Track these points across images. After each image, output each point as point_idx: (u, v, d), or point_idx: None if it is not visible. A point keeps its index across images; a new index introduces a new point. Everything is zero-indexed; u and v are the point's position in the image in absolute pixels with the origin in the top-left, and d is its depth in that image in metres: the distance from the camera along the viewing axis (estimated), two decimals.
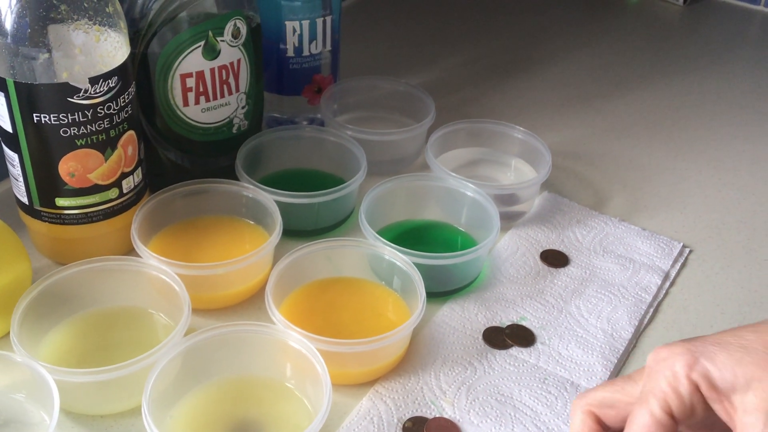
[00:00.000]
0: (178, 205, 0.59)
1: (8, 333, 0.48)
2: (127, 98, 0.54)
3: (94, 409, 0.48)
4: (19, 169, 0.54)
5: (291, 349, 0.48)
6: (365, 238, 0.57)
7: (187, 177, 0.61)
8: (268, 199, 0.59)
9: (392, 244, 0.55)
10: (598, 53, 0.94)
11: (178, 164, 0.63)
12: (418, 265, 0.54)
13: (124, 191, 0.56)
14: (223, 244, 0.59)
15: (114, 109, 0.53)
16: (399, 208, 0.63)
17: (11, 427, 0.46)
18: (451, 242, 0.62)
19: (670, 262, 0.62)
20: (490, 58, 0.91)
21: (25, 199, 0.55)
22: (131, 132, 0.55)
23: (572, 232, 0.65)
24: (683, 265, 0.62)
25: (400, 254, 0.55)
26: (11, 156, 0.53)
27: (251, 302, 0.57)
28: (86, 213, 0.55)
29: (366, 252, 0.57)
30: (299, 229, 0.62)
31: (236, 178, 0.61)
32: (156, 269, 0.52)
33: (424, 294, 0.52)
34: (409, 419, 0.49)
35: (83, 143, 0.52)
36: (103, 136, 0.53)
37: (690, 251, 0.64)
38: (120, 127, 0.54)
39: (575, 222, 0.66)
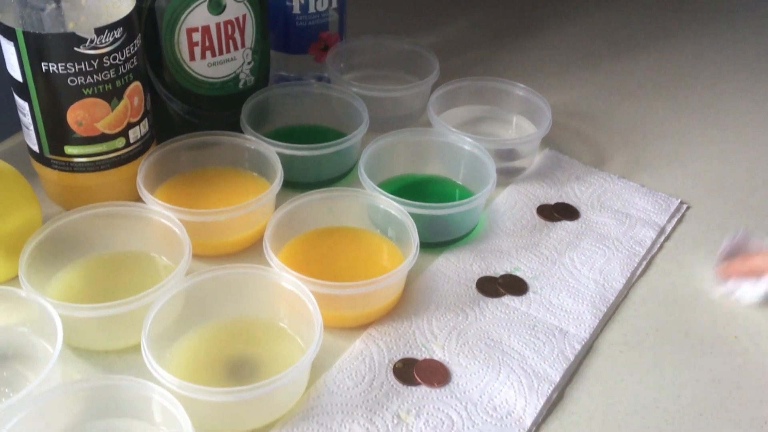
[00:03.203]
0: (182, 156, 0.61)
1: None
2: (133, 50, 0.55)
3: (97, 345, 0.50)
4: (30, 117, 0.56)
5: (285, 291, 0.50)
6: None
7: (194, 131, 0.62)
8: (271, 151, 0.60)
9: (389, 194, 0.56)
10: (608, 15, 0.94)
11: (185, 118, 0.65)
12: (415, 216, 0.56)
13: (131, 141, 0.58)
14: (226, 194, 0.61)
15: (119, 60, 0.55)
16: (399, 162, 0.64)
17: (17, 360, 0.48)
18: (449, 196, 0.63)
19: (667, 217, 0.63)
20: (498, 20, 0.92)
21: (36, 148, 0.57)
22: (137, 83, 0.57)
23: (571, 188, 0.66)
24: (680, 221, 0.63)
25: (395, 204, 0.56)
26: (22, 105, 0.56)
27: (252, 250, 0.58)
28: (94, 161, 0.57)
29: (364, 202, 0.58)
30: (302, 182, 0.63)
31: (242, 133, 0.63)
32: (159, 215, 0.54)
33: (417, 240, 0.54)
34: (400, 360, 0.51)
35: (90, 92, 0.54)
36: (110, 86, 0.55)
37: (688, 207, 0.64)
38: (126, 77, 0.56)
39: (574, 178, 0.67)
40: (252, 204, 0.55)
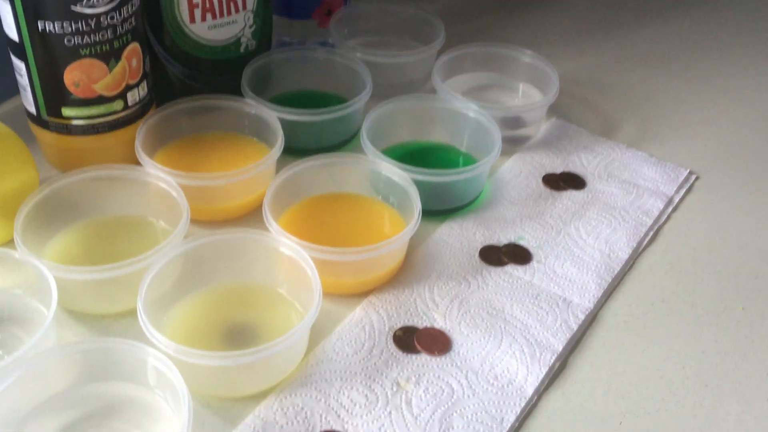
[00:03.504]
0: (182, 120, 0.60)
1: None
2: (131, 9, 0.54)
3: (94, 309, 0.50)
4: (26, 78, 0.55)
5: (284, 256, 0.49)
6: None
7: (194, 96, 0.61)
8: (272, 116, 0.59)
9: (391, 160, 0.55)
10: None
11: (185, 82, 0.64)
12: (418, 183, 0.55)
13: (129, 104, 0.57)
14: (226, 159, 0.60)
15: (117, 20, 0.53)
16: (402, 129, 0.63)
17: (12, 322, 0.47)
18: (453, 163, 0.62)
19: (675, 188, 0.62)
20: None
21: (33, 109, 0.56)
22: (135, 44, 0.56)
23: (578, 158, 0.64)
24: (688, 191, 0.62)
25: (397, 170, 0.55)
26: (18, 65, 0.55)
27: (252, 216, 0.57)
28: (92, 124, 0.56)
29: (366, 168, 0.57)
30: (303, 148, 0.62)
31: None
32: (157, 178, 0.53)
33: (419, 206, 0.53)
34: (400, 328, 0.50)
35: (87, 53, 0.53)
36: (107, 47, 0.54)
37: (696, 178, 0.63)
38: (124, 38, 0.54)
39: (582, 148, 0.65)
40: (252, 169, 0.55)
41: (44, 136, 0.58)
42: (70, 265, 0.47)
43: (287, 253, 0.49)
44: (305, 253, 0.48)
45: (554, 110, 0.69)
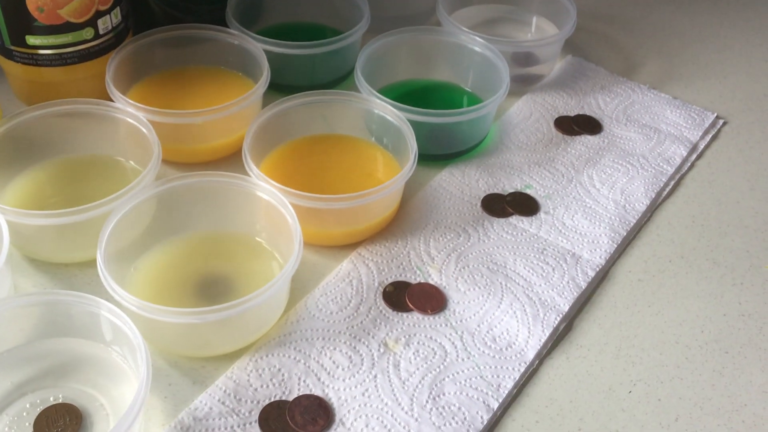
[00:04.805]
0: (159, 52, 0.55)
1: None
2: None
3: (56, 257, 0.46)
4: None
5: (263, 202, 0.45)
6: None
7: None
8: (258, 48, 0.54)
9: (387, 99, 0.50)
10: None
11: (166, 11, 0.58)
12: (416, 124, 0.50)
13: (101, 32, 0.52)
14: (208, 96, 0.55)
15: None
16: (401, 65, 0.58)
17: None
18: (456, 104, 0.57)
19: (700, 133, 0.56)
20: None
21: None
22: None
23: (594, 99, 0.59)
24: (714, 137, 0.57)
25: (392, 108, 0.50)
26: None
27: (234, 158, 0.53)
28: (60, 54, 0.52)
29: (358, 107, 0.52)
30: (293, 85, 0.57)
31: None
32: (128, 115, 0.49)
33: (415, 148, 0.48)
34: (391, 284, 0.46)
35: None
36: None
37: (724, 123, 0.58)
38: None
39: (599, 88, 0.60)
40: (233, 106, 0.50)
41: (10, 67, 0.53)
42: (26, 209, 0.42)
43: (266, 198, 0.44)
44: (284, 198, 0.44)
45: (570, 46, 0.64)
